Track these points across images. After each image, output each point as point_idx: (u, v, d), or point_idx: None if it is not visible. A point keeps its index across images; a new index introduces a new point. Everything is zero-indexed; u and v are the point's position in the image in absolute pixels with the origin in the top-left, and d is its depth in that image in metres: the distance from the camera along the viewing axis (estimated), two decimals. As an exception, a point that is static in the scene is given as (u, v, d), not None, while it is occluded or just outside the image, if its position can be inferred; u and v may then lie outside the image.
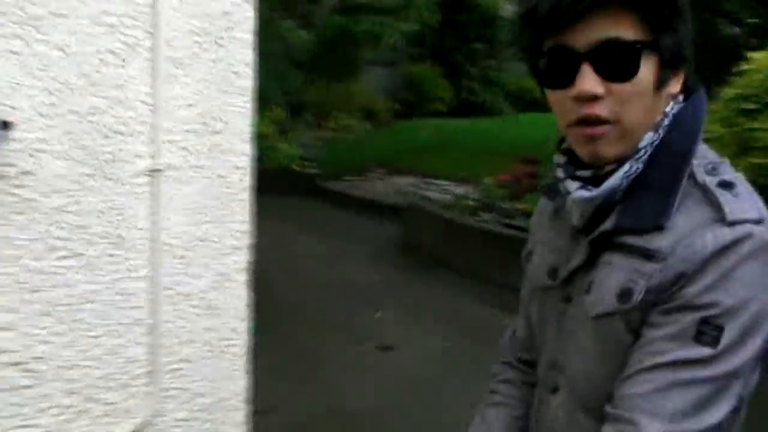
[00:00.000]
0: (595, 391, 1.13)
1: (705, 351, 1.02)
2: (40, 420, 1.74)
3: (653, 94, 1.11)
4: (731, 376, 1.03)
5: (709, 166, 1.12)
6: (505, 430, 1.32)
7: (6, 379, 1.68)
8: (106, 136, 1.74)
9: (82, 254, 1.74)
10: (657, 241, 1.09)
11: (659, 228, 1.09)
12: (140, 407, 1.88)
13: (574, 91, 1.08)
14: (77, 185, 1.72)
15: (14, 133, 1.61)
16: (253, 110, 1.98)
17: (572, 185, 1.15)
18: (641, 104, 1.09)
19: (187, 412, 1.97)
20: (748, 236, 1.03)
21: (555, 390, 1.22)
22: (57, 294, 1.72)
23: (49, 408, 1.75)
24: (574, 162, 1.17)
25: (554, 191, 1.25)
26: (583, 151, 1.13)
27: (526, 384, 1.35)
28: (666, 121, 1.14)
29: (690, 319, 1.04)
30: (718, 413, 1.03)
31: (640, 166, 1.12)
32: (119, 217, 1.79)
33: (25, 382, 1.70)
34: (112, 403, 1.84)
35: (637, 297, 1.09)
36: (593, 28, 1.05)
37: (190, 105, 1.86)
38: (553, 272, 1.24)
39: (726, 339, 1.02)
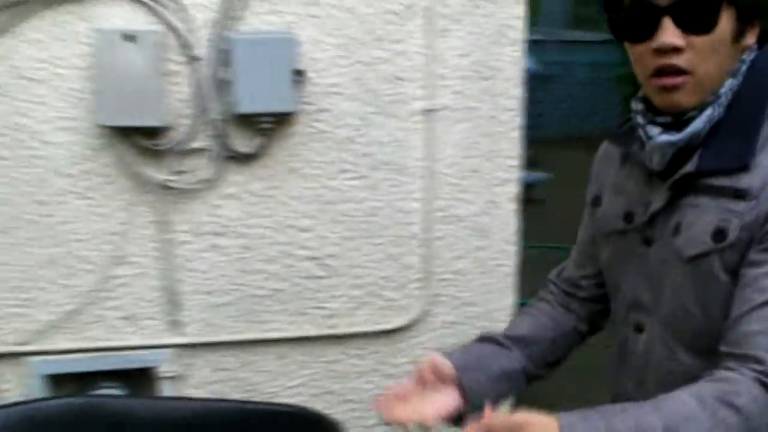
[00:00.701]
0: (693, 327, 1.19)
1: None
2: (331, 304, 2.22)
3: (730, 47, 1.14)
4: None
5: None
6: (529, 326, 1.40)
7: (306, 269, 2.19)
8: (388, 82, 2.12)
9: (366, 177, 2.16)
10: (746, 180, 1.13)
11: (745, 168, 1.13)
12: (414, 306, 2.28)
13: (655, 43, 1.12)
14: (363, 121, 2.13)
15: (314, 79, 2.07)
16: (523, 59, 2.20)
17: (654, 130, 1.19)
18: (719, 56, 1.14)
19: (454, 316, 2.32)
20: None
21: (639, 329, 1.28)
22: (346, 207, 2.17)
23: (339, 296, 2.22)
24: (651, 109, 1.21)
25: (625, 137, 1.30)
26: (660, 101, 1.18)
27: (562, 306, 1.44)
28: (743, 68, 1.17)
29: None
30: None
31: (722, 110, 1.17)
32: (398, 148, 2.17)
33: (320, 273, 2.20)
34: (390, 299, 2.26)
35: (733, 235, 1.13)
36: None
37: (462, 55, 2.15)
38: (628, 216, 1.28)
39: None
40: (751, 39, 1.18)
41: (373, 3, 2.06)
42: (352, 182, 2.16)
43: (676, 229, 1.20)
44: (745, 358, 1.08)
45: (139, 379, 2.14)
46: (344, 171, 2.15)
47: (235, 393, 2.20)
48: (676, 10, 1.11)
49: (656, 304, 1.24)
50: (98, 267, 2.08)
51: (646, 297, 1.26)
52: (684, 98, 1.15)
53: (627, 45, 1.19)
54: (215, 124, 2.04)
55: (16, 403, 2.07)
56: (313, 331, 2.22)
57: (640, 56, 1.17)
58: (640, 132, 1.22)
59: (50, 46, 1.98)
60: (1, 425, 1.92)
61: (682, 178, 1.19)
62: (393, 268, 2.25)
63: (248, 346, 2.20)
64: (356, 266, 2.22)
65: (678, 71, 1.13)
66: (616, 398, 1.32)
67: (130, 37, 1.93)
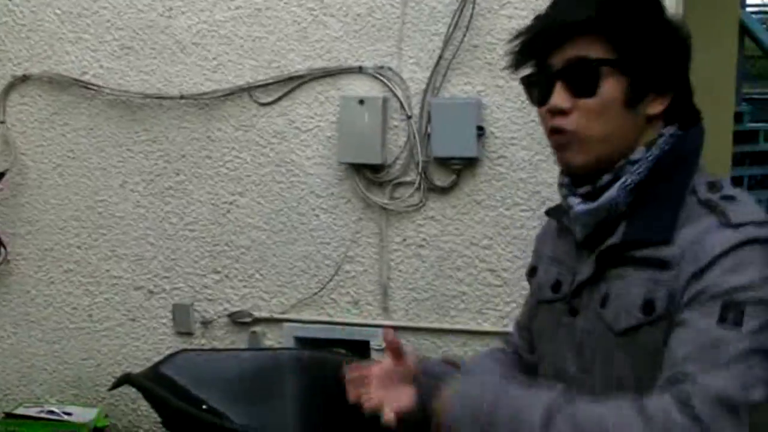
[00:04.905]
0: (625, 395, 1.14)
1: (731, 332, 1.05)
2: (504, 308, 2.83)
3: (622, 111, 1.17)
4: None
5: (710, 185, 1.20)
6: (491, 363, 1.42)
7: (485, 278, 2.82)
8: (554, 136, 2.71)
9: (535, 210, 2.74)
10: (668, 251, 1.14)
11: (667, 241, 1.15)
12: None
13: (547, 105, 1.20)
14: (534, 166, 2.72)
15: (496, 133, 2.72)
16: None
17: (574, 201, 1.23)
18: (606, 119, 1.17)
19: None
20: (752, 238, 1.11)
21: None
22: (519, 232, 2.77)
23: (511, 302, 2.82)
24: (575, 182, 1.25)
25: (559, 211, 1.34)
26: (557, 159, 1.25)
27: (516, 358, 1.46)
28: (661, 141, 1.20)
29: (713, 304, 1.07)
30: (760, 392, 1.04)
31: (636, 178, 1.19)
32: (562, 189, 2.74)
33: (496, 282, 2.82)
34: (553, 309, 2.82)
35: (660, 306, 1.13)
36: (566, 51, 1.18)
37: (617, 116, 2.68)
38: (556, 286, 1.30)
39: (749, 318, 1.06)
40: (654, 109, 1.20)
41: (543, 76, 2.68)
42: (524, 213, 2.76)
43: (604, 301, 1.20)
44: (669, 380, 1.07)
45: (357, 349, 2.91)
46: (517, 204, 2.76)
47: (426, 368, 2.88)
48: (565, 74, 1.17)
49: (584, 375, 1.24)
50: (335, 263, 2.90)
51: (571, 368, 1.26)
52: (572, 156, 1.20)
53: (537, 109, 1.28)
54: (421, 164, 2.78)
55: (272, 349, 2.96)
56: (489, 328, 2.83)
57: (542, 118, 1.25)
58: (564, 204, 1.28)
59: (314, 106, 2.86)
60: (259, 363, 2.79)
61: (608, 249, 1.20)
62: (557, 285, 2.80)
63: (439, 333, 2.88)
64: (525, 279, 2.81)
65: (564, 132, 1.20)
66: None
67: (362, 101, 2.74)
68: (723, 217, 1.13)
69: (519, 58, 1.26)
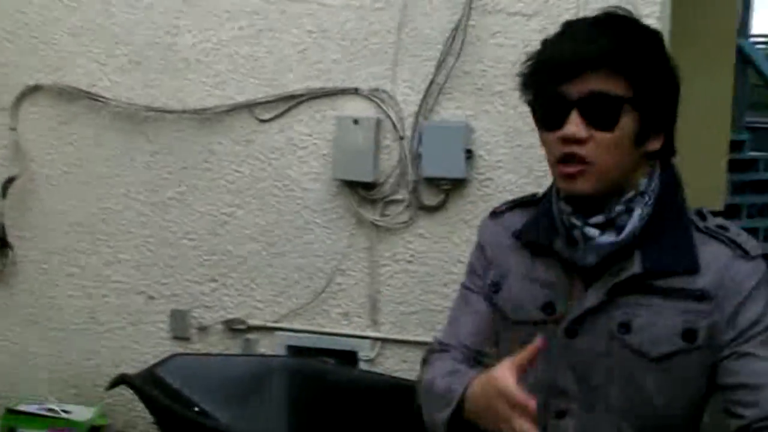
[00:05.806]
0: (654, 413, 1.30)
1: None
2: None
3: (631, 146, 1.25)
4: None
5: (699, 214, 1.33)
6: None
7: (470, 295, 2.93)
8: (539, 161, 2.79)
9: (520, 231, 2.86)
10: (697, 282, 1.25)
11: (692, 270, 1.26)
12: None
13: (561, 132, 1.24)
14: (520, 188, 2.83)
15: (484, 156, 2.84)
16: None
17: (593, 231, 1.27)
18: (618, 152, 1.24)
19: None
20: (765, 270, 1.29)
21: (561, 415, 1.34)
22: (503, 252, 2.88)
23: (494, 318, 2.93)
24: (579, 210, 1.29)
25: (533, 229, 1.37)
26: (563, 185, 1.29)
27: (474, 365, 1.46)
28: (656, 173, 1.30)
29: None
30: None
31: (649, 210, 1.28)
32: (546, 211, 2.85)
33: (480, 299, 2.92)
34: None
35: (703, 334, 1.24)
36: (586, 82, 1.22)
37: (601, 143, 2.79)
38: (548, 307, 1.34)
39: None
40: (654, 145, 1.29)
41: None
42: (509, 234, 2.87)
43: (626, 328, 1.28)
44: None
45: (346, 358, 3.02)
46: (503, 225, 2.87)
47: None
48: (583, 104, 1.23)
49: (588, 392, 1.32)
50: (328, 276, 3.02)
51: (571, 385, 1.33)
52: (582, 185, 1.26)
53: (541, 133, 1.33)
54: (411, 184, 2.89)
55: (263, 355, 3.08)
56: (473, 343, 2.94)
57: (551, 143, 1.29)
58: (576, 233, 1.30)
59: (311, 124, 2.98)
60: (250, 368, 2.90)
61: (626, 279, 1.27)
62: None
63: (425, 346, 2.93)
64: (510, 298, 2.91)
65: (578, 160, 1.24)
66: None
67: (356, 121, 2.87)
68: (738, 248, 1.28)
69: (532, 82, 1.32)
